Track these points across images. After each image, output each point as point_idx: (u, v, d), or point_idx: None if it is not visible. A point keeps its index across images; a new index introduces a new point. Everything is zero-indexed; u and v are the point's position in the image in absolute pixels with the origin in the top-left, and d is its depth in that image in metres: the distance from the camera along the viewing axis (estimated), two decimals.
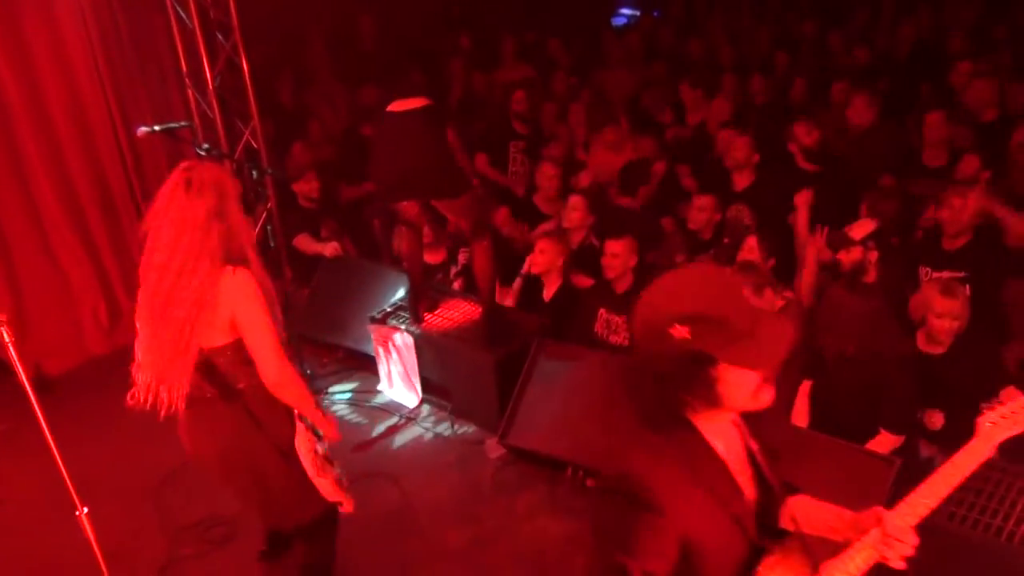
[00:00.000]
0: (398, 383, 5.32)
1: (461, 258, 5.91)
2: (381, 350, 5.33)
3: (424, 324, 5.12)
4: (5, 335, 2.79)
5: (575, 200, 5.80)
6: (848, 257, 4.47)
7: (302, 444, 2.99)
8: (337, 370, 5.71)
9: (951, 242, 4.67)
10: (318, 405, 3.07)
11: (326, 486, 3.08)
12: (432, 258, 5.83)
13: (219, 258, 2.74)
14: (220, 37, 6.10)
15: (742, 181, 5.84)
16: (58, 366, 5.87)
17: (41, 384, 5.67)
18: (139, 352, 2.86)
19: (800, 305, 4.54)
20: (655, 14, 11.11)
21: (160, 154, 6.13)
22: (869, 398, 3.96)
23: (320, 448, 3.08)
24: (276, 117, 7.48)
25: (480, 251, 4.79)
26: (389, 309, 5.35)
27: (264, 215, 6.39)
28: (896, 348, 4.05)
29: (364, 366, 5.60)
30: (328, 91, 8.36)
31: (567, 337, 5.00)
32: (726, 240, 5.35)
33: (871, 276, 4.39)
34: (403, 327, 5.14)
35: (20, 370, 2.82)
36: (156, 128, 4.75)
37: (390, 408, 5.28)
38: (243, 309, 2.76)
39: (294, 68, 8.26)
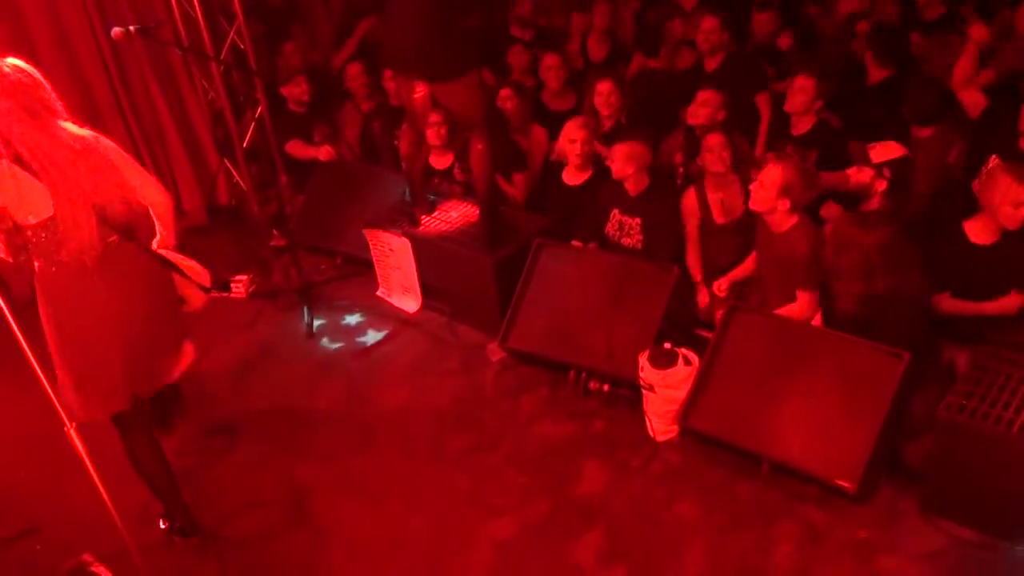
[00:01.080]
0: (397, 288, 5.22)
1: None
2: (379, 254, 5.22)
3: (421, 227, 4.98)
4: None
5: (602, 85, 5.52)
6: (857, 176, 4.34)
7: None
8: (336, 276, 5.60)
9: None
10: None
11: (197, 271, 3.47)
12: (439, 163, 5.64)
13: None
14: None
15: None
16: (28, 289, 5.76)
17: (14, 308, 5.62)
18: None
19: None
20: None
21: (142, 57, 5.88)
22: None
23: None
24: (264, 14, 7.19)
25: (478, 149, 4.60)
26: (385, 212, 5.20)
27: (254, 120, 6.21)
28: (911, 282, 3.81)
29: (362, 272, 5.49)
30: None
31: (579, 235, 4.88)
32: None
33: (873, 204, 4.23)
34: (400, 231, 5.00)
35: None
36: (132, 28, 4.51)
37: (391, 313, 5.20)
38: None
39: None
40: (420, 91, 4.63)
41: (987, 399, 3.27)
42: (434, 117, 5.20)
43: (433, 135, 5.34)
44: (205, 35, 5.87)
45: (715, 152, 4.61)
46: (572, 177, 5.18)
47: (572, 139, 5.03)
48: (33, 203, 2.95)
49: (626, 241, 4.80)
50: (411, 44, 4.31)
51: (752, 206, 4.09)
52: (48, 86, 3.01)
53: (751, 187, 4.06)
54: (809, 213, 4.17)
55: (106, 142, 3.11)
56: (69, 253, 3.03)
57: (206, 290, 3.56)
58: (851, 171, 4.39)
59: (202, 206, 6.35)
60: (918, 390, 3.60)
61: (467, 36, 4.49)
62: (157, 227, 3.35)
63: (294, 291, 5.30)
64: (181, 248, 3.47)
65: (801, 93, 4.92)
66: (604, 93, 5.46)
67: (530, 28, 7.19)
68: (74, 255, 3.03)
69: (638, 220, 4.74)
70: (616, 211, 4.81)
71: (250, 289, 5.51)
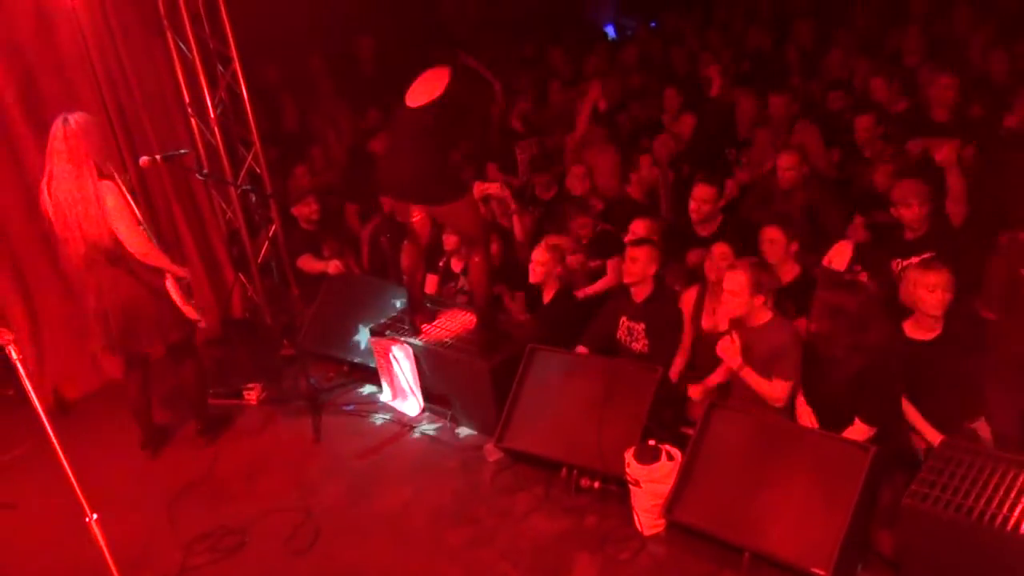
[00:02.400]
0: (400, 393, 5.50)
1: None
2: (382, 362, 5.51)
3: (422, 335, 5.30)
4: (14, 353, 2.99)
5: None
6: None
7: (170, 285, 4.80)
8: (342, 383, 5.90)
9: (913, 233, 4.88)
10: (173, 261, 4.94)
11: (189, 310, 4.90)
12: (457, 265, 6.04)
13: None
14: (220, 66, 6.34)
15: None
16: (76, 389, 6.09)
17: (60, 406, 5.94)
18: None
19: None
20: (652, 25, 11.31)
21: (166, 182, 6.35)
22: (854, 388, 4.06)
23: (181, 286, 4.88)
24: (280, 141, 7.72)
25: (475, 262, 4.97)
26: (388, 322, 5.53)
27: (268, 238, 6.62)
28: (886, 338, 4.12)
29: (368, 378, 5.79)
30: (332, 113, 8.58)
31: (590, 344, 5.16)
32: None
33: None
34: (402, 338, 5.32)
35: (27, 383, 3.01)
36: (158, 157, 4.96)
37: (393, 417, 5.46)
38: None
39: (296, 92, 8.49)
40: (417, 214, 5.05)
41: (949, 487, 3.46)
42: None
43: (449, 242, 5.81)
44: (224, 161, 6.38)
45: (714, 262, 4.93)
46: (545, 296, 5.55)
47: (539, 261, 5.42)
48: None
49: (635, 346, 5.06)
50: (407, 176, 4.71)
51: (730, 315, 4.39)
52: (96, 140, 4.51)
53: (723, 300, 4.39)
54: None
55: (114, 200, 4.50)
56: (66, 256, 4.90)
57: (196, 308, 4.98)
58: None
59: (217, 319, 6.70)
60: (887, 479, 3.81)
61: (459, 165, 4.91)
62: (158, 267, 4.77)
63: (303, 397, 5.57)
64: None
65: (771, 244, 5.07)
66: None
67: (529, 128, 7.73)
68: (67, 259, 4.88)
69: (642, 325, 5.03)
70: (624, 318, 5.10)
71: (261, 397, 5.80)
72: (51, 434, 3.13)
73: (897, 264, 4.85)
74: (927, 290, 4.05)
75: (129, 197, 4.61)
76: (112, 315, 4.75)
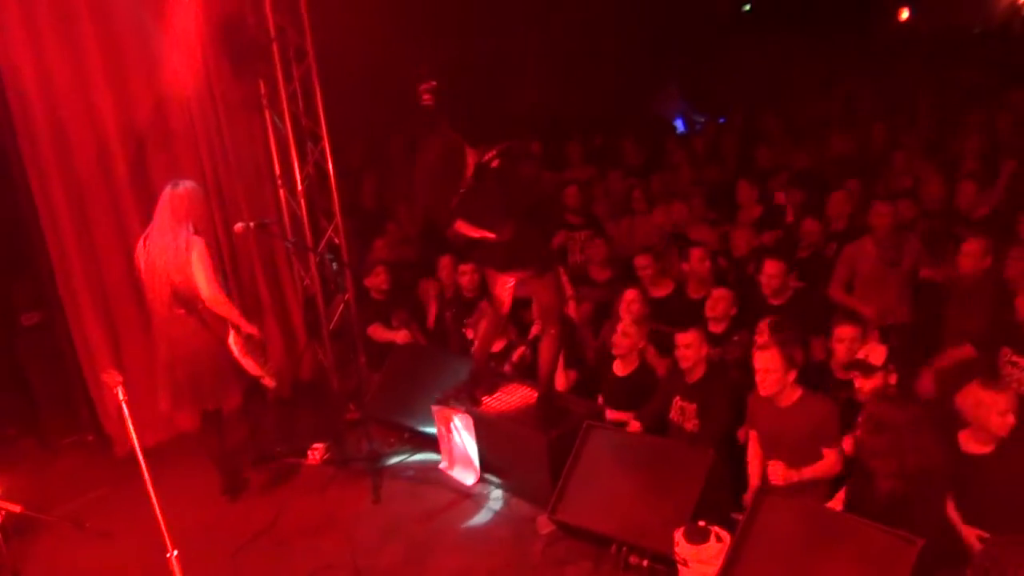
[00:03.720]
0: (458, 461, 5.68)
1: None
2: (443, 430, 5.72)
3: (483, 406, 5.50)
4: (121, 395, 3.29)
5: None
6: (866, 383, 4.60)
7: (234, 338, 5.13)
8: (403, 448, 6.10)
9: None
10: (243, 316, 5.25)
11: (250, 364, 5.19)
12: (494, 346, 6.25)
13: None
14: (310, 143, 6.80)
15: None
16: (150, 438, 6.38)
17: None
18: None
19: None
20: (720, 120, 11.65)
21: (252, 248, 6.75)
22: (897, 507, 4.05)
23: (244, 340, 5.18)
24: (359, 216, 8.14)
25: (548, 338, 5.19)
26: (452, 391, 5.76)
27: (342, 305, 6.95)
28: (932, 460, 4.06)
29: (427, 445, 5.98)
30: (407, 192, 9.00)
31: (643, 423, 5.33)
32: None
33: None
34: (464, 408, 5.53)
35: (130, 425, 3.30)
36: (251, 224, 5.34)
37: (451, 485, 5.64)
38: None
39: (377, 171, 8.96)
40: (511, 282, 5.17)
41: None
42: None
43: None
44: (307, 231, 6.77)
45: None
46: (620, 368, 5.71)
47: (625, 333, 5.60)
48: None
49: (688, 426, 5.18)
50: (511, 244, 4.78)
51: (765, 392, 4.56)
52: (197, 205, 5.08)
53: (757, 379, 4.55)
54: None
55: (199, 252, 4.97)
56: (151, 306, 5.15)
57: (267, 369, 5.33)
58: (858, 383, 4.64)
59: (287, 381, 7.00)
60: (935, 573, 3.85)
61: (546, 238, 5.14)
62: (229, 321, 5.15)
63: (364, 460, 5.79)
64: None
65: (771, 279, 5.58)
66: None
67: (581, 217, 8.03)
68: (152, 308, 5.16)
69: (694, 406, 5.17)
70: (678, 398, 5.26)
71: (324, 457, 6.03)
72: (145, 472, 3.40)
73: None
74: (997, 414, 4.05)
75: (213, 254, 5.09)
76: (180, 366, 5.12)
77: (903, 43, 14.41)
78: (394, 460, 5.97)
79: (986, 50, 13.15)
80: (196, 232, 5.03)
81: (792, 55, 12.05)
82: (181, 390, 5.17)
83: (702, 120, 12.60)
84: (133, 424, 4.10)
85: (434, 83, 4.56)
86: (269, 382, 5.42)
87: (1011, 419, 4.06)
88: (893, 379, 4.58)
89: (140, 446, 5.93)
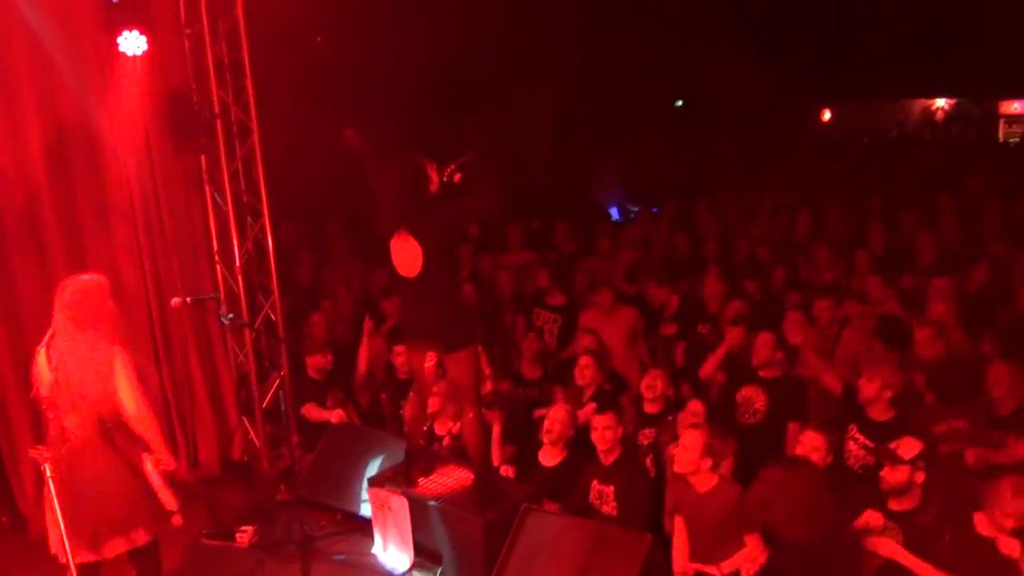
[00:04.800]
0: (392, 546, 5.57)
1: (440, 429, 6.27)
2: (378, 512, 5.61)
3: (418, 487, 5.43)
4: (48, 471, 3.18)
5: (585, 360, 6.31)
6: (892, 476, 4.50)
7: (150, 465, 4.35)
8: (336, 531, 5.95)
9: None
10: (164, 441, 4.46)
11: (166, 496, 4.40)
12: (441, 429, 6.23)
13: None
14: (250, 218, 6.79)
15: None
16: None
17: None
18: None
19: None
20: (654, 210, 11.97)
21: (186, 324, 6.64)
22: None
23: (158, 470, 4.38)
24: (294, 292, 8.08)
25: (469, 419, 5.16)
26: (388, 473, 5.68)
27: (277, 382, 6.84)
28: None
29: (360, 529, 5.85)
30: (345, 270, 9.00)
31: (565, 506, 5.33)
32: None
33: (914, 499, 4.48)
34: (399, 490, 5.45)
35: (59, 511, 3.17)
36: (188, 299, 5.27)
37: (383, 571, 5.50)
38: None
39: (313, 248, 8.95)
40: (430, 360, 5.27)
41: None
42: (437, 388, 5.83)
43: (435, 404, 5.96)
44: (244, 307, 6.69)
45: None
46: (548, 457, 5.72)
47: (556, 419, 5.63)
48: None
49: (605, 509, 5.22)
50: (430, 316, 4.94)
51: (678, 469, 4.72)
52: (98, 301, 4.25)
53: (674, 451, 4.73)
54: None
55: (123, 363, 4.23)
56: (56, 430, 4.25)
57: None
58: (884, 472, 4.53)
59: (217, 459, 6.82)
60: None
61: (470, 313, 5.22)
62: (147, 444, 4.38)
63: (295, 543, 5.62)
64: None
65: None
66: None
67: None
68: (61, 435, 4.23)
69: (611, 488, 5.20)
70: (595, 481, 5.29)
71: (253, 540, 5.85)
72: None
73: None
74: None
75: (134, 363, 4.36)
76: (84, 493, 4.22)
77: (823, 142, 15.19)
78: (326, 543, 5.81)
79: (899, 153, 13.97)
80: (115, 339, 4.31)
81: (720, 148, 12.59)
82: (81, 528, 4.18)
83: (636, 209, 12.93)
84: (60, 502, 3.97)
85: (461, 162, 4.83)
86: (178, 520, 4.54)
87: None
88: (920, 478, 4.45)
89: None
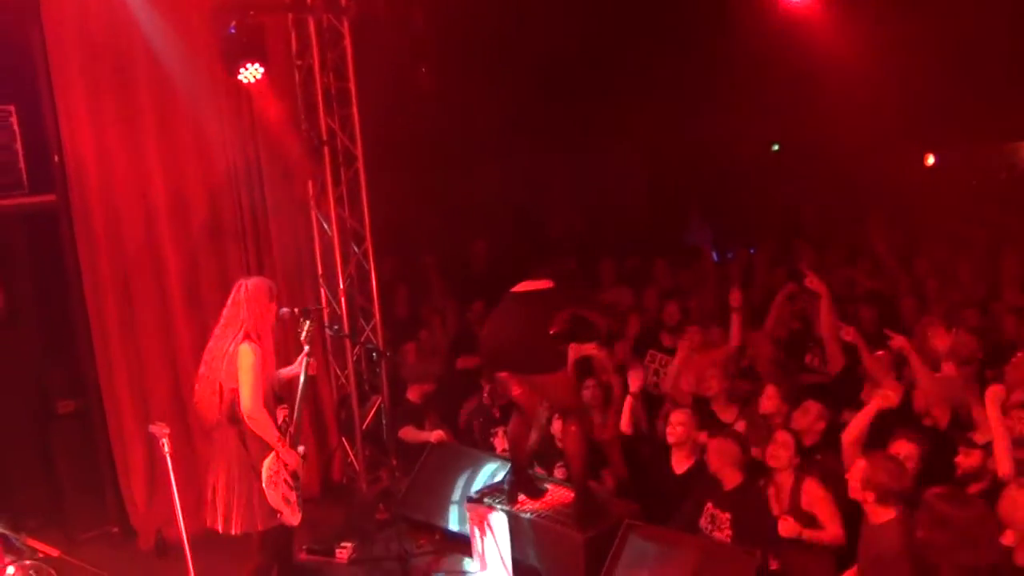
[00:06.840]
0: (490, 564, 5.50)
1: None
2: (477, 530, 5.56)
3: (518, 504, 5.37)
4: (167, 447, 3.28)
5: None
6: (967, 460, 4.43)
7: (270, 463, 4.60)
8: (433, 550, 5.92)
9: None
10: (284, 443, 4.69)
11: (274, 496, 4.60)
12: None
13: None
14: (353, 244, 6.95)
15: None
16: (176, 534, 6.25)
17: (160, 548, 6.09)
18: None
19: None
20: (751, 251, 11.79)
21: (290, 344, 6.78)
22: None
23: (283, 471, 4.67)
24: (390, 324, 8.18)
25: (571, 432, 5.13)
26: (487, 490, 5.64)
27: (378, 403, 6.92)
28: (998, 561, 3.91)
29: (459, 547, 5.81)
30: (440, 306, 9.09)
31: (675, 523, 5.16)
32: None
33: (982, 483, 4.34)
34: (498, 507, 5.40)
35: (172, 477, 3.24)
36: (296, 309, 5.36)
37: None
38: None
39: (410, 284, 9.09)
40: (516, 388, 5.30)
41: None
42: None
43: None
44: (346, 329, 6.82)
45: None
46: (679, 464, 5.59)
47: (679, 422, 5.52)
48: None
49: (717, 535, 4.99)
50: (508, 345, 5.03)
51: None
52: (255, 302, 4.70)
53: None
54: None
55: (247, 360, 4.54)
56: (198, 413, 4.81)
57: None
58: (960, 458, 4.48)
59: (317, 480, 6.89)
60: None
61: (556, 339, 5.24)
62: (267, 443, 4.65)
63: (393, 560, 5.62)
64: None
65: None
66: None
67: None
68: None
69: (728, 515, 5.01)
70: (710, 503, 5.08)
71: (352, 556, 5.87)
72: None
73: None
74: None
75: (263, 364, 4.62)
76: (218, 484, 4.67)
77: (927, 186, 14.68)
78: (423, 561, 5.79)
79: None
80: (252, 336, 4.63)
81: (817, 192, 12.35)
82: (212, 508, 4.68)
83: (731, 253, 12.75)
84: (153, 520, 4.05)
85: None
86: (291, 519, 4.78)
87: None
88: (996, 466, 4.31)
89: (167, 540, 5.77)
